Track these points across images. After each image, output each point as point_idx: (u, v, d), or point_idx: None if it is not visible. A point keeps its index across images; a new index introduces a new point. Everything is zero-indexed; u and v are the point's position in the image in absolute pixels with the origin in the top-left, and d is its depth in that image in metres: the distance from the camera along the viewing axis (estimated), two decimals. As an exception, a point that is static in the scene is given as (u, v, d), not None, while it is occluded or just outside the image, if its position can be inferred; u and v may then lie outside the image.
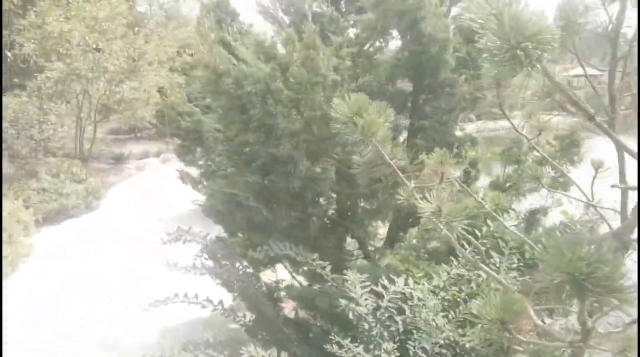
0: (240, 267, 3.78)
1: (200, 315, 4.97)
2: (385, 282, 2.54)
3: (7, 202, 6.81)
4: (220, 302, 3.48)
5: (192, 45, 15.41)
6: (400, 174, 2.35)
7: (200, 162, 5.12)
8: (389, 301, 2.56)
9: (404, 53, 4.80)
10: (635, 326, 1.19)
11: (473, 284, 3.15)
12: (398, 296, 2.57)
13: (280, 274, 5.09)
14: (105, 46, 10.37)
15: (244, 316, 3.82)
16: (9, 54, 15.61)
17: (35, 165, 9.12)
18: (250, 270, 3.85)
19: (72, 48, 10.21)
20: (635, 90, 1.76)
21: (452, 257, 3.24)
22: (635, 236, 1.63)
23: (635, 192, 1.51)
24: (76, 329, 4.94)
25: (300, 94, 3.47)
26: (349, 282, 2.49)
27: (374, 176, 2.55)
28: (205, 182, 5.14)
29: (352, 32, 4.89)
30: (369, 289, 2.56)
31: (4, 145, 9.77)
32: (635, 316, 1.15)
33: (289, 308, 4.79)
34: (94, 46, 10.22)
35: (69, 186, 8.63)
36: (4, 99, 11.65)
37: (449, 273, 3.17)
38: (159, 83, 11.53)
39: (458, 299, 3.08)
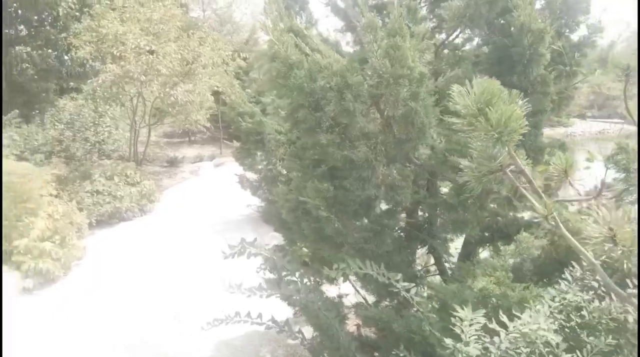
0: (306, 280, 3.38)
1: (256, 328, 4.61)
2: (504, 318, 2.05)
3: (62, 203, 6.74)
4: (287, 323, 3.09)
5: (245, 50, 15.42)
6: (534, 183, 1.87)
7: (260, 166, 4.82)
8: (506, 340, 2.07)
9: (482, 48, 4.29)
10: None
11: (585, 312, 2.62)
12: (517, 334, 2.08)
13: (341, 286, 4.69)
14: (159, 49, 10.33)
15: (315, 337, 3.41)
16: (66, 57, 16.12)
17: (89, 167, 9.16)
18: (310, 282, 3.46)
19: (126, 50, 10.23)
20: None
21: (559, 278, 2.74)
22: None
23: None
24: (127, 338, 4.70)
25: (381, 89, 3.02)
26: (461, 320, 2.01)
27: (487, 185, 2.09)
28: (264, 187, 4.82)
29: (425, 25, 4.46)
30: (481, 324, 2.08)
31: (60, 147, 9.95)
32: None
33: (349, 324, 4.38)
34: (147, 49, 10.19)
35: (123, 189, 8.59)
36: (61, 101, 11.91)
37: (564, 299, 2.64)
38: (213, 86, 11.47)
39: (566, 330, 2.56)
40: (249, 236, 7.39)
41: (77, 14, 14.59)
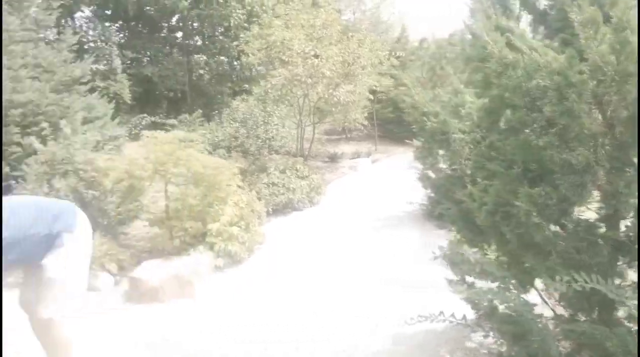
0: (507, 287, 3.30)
1: (434, 326, 4.62)
2: None
3: (244, 193, 7.55)
4: (492, 329, 3.05)
5: (397, 48, 15.52)
6: None
7: (442, 166, 4.83)
8: None
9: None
10: None
11: None
12: None
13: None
14: (322, 52, 10.94)
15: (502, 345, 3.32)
16: (236, 63, 17.98)
17: (265, 162, 10.16)
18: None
19: (292, 55, 11.01)
20: None
21: None
22: None
23: None
24: (307, 318, 4.99)
25: (605, 88, 2.81)
26: None
27: None
28: (446, 187, 4.82)
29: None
30: None
31: (236, 142, 11.20)
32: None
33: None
34: (312, 53, 10.87)
35: (295, 182, 9.45)
36: (234, 102, 13.32)
37: None
38: (372, 86, 11.85)
39: None
40: (413, 233, 7.45)
41: (246, 24, 16.17)
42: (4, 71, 7.45)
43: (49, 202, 3.68)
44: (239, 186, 7.38)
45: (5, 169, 7.09)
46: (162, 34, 18.55)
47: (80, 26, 17.20)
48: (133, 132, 9.24)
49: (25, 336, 3.78)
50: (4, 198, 5.14)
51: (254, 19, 14.58)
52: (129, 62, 16.89)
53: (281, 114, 12.32)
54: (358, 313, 5.14)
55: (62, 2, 10.29)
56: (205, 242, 6.64)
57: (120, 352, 4.38)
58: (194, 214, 6.72)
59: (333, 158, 13.67)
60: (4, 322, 3.47)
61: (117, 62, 14.08)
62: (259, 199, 8.16)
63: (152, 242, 7.02)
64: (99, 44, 16.71)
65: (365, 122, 13.42)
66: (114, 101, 9.97)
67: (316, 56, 10.99)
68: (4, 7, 8.19)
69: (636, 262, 3.68)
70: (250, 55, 12.46)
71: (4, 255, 2.92)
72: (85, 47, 15.71)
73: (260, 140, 11.33)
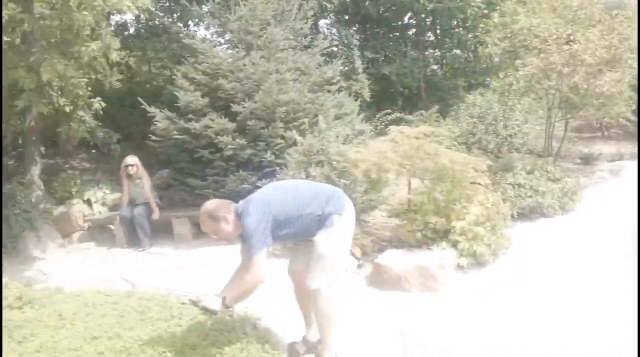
0: None
1: None
2: None
3: (489, 192, 7.14)
4: None
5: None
6: None
7: None
8: None
9: None
10: None
11: None
12: None
13: None
14: (580, 36, 9.54)
15: None
16: (470, 55, 17.27)
17: (510, 160, 9.46)
18: None
19: (542, 42, 9.90)
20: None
21: None
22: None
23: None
24: (559, 325, 4.43)
25: None
26: None
27: None
28: None
29: None
30: None
31: (473, 139, 10.74)
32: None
33: None
34: (569, 38, 9.57)
35: (545, 184, 8.44)
36: (470, 97, 12.80)
37: None
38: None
39: None
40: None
41: (486, 11, 15.34)
42: (273, 75, 8.72)
43: (323, 187, 4.12)
44: (484, 185, 7.04)
45: (271, 158, 8.33)
46: (397, 33, 19.11)
47: (323, 32, 19.06)
48: (378, 128, 9.71)
49: (285, 306, 4.30)
50: (292, 180, 6.03)
51: (496, 8, 13.65)
52: (366, 62, 17.96)
53: (524, 108, 11.23)
54: (619, 317, 4.42)
55: (313, 11, 11.45)
56: (447, 239, 6.53)
57: (371, 335, 4.58)
58: (438, 209, 6.67)
59: (587, 159, 11.77)
60: (266, 292, 3.86)
61: (358, 63, 15.03)
62: (504, 200, 7.60)
63: (393, 232, 7.25)
64: (340, 47, 18.22)
65: (632, 118, 11.16)
66: (358, 99, 10.67)
67: (571, 41, 9.63)
68: (271, 21, 9.60)
69: None
70: (489, 45, 11.74)
71: (284, 229, 3.36)
72: (328, 50, 17.26)
73: (499, 137, 10.57)
